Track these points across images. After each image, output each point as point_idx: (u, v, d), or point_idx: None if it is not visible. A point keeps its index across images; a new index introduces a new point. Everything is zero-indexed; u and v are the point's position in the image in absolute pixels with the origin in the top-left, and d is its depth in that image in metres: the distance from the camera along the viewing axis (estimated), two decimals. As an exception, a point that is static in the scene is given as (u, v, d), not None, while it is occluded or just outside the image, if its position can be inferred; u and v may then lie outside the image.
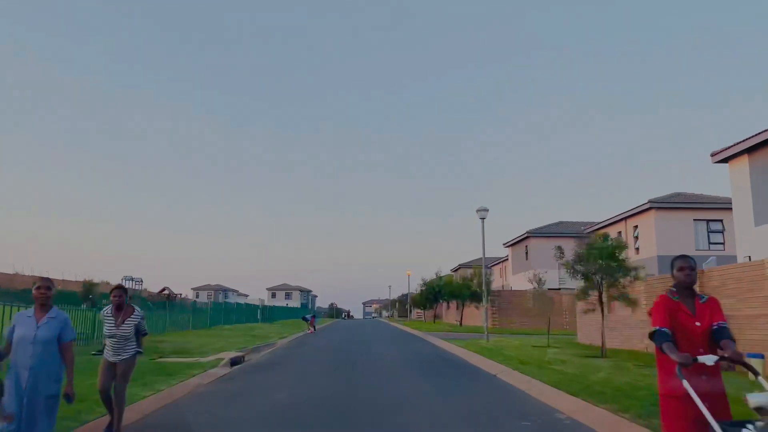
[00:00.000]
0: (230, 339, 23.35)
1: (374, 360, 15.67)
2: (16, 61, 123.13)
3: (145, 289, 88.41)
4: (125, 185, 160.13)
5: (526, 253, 47.55)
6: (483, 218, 20.10)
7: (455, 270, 63.45)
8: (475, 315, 35.29)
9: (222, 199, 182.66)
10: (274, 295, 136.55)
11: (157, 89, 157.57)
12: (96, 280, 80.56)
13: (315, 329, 34.92)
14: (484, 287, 20.88)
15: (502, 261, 63.51)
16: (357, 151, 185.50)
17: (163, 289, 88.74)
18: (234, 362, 15.43)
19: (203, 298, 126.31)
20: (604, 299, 13.85)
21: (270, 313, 50.65)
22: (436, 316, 48.31)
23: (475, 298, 31.36)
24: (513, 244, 51.10)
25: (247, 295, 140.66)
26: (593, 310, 14.09)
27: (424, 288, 41.99)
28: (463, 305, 33.24)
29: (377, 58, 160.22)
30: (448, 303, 41.60)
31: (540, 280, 17.74)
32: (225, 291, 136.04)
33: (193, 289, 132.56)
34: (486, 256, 64.30)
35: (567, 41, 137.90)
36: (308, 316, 35.46)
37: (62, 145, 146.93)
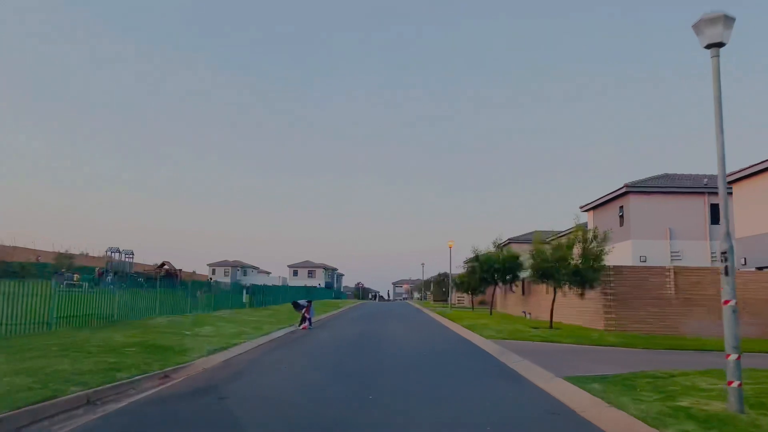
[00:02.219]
0: (107, 355, 10.87)
1: None
2: None
3: (156, 265, 77.43)
4: (147, 156, 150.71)
5: (621, 216, 33.70)
6: (716, 45, 6.57)
7: (503, 246, 49.89)
8: (570, 307, 21.77)
9: (242, 170, 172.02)
10: (296, 273, 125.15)
11: (168, 44, 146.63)
12: (74, 251, 69.99)
13: (311, 323, 22.29)
14: (729, 238, 7.00)
15: (570, 232, 49.75)
16: (386, 116, 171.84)
17: (163, 264, 77.61)
18: None
19: (220, 274, 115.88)
20: None
21: (264, 296, 37.90)
22: (487, 303, 34.96)
23: (578, 278, 17.80)
24: (597, 207, 37.11)
25: (269, 273, 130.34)
26: None
27: (476, 264, 28.71)
28: (555, 291, 19.65)
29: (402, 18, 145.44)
30: (511, 285, 28.36)
31: None
32: (244, 268, 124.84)
33: (209, 265, 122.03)
34: (542, 229, 49.71)
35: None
36: (303, 302, 22.65)
37: (40, 98, 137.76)
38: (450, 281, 37.24)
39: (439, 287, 57.90)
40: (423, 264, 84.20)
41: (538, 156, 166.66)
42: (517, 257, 28.01)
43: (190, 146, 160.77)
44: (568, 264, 17.90)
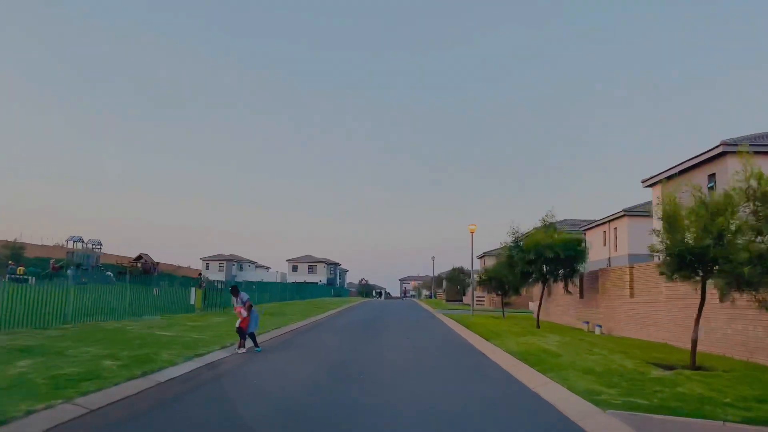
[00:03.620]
0: None
1: None
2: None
3: (146, 260, 68.55)
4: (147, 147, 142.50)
5: (712, 188, 24.35)
6: None
7: (552, 226, 40.83)
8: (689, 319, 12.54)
9: (246, 164, 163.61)
10: (295, 269, 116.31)
11: (173, 33, 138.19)
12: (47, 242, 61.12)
13: (256, 341, 13.57)
14: None
15: (616, 218, 40.25)
16: (395, 109, 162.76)
17: (139, 257, 69.06)
18: None
19: (214, 270, 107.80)
20: None
21: (227, 294, 28.49)
22: (514, 306, 25.87)
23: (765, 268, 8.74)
24: (673, 177, 27.78)
25: (268, 268, 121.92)
26: None
27: (515, 252, 19.63)
28: (703, 293, 10.27)
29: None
30: (567, 283, 19.32)
31: None
32: (240, 262, 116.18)
33: (203, 259, 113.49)
34: (574, 217, 39.09)
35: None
36: (243, 296, 13.73)
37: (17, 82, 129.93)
38: (471, 277, 28.10)
39: (453, 284, 48.89)
40: (433, 258, 74.02)
41: (557, 142, 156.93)
42: (578, 242, 18.98)
43: (190, 139, 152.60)
44: (738, 243, 8.86)
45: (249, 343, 13.35)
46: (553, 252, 18.27)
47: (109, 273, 55.46)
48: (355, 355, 12.83)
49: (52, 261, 49.87)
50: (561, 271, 19.43)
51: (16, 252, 47.89)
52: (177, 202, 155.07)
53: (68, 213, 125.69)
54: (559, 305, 23.88)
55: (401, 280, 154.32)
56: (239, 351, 12.99)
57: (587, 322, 19.50)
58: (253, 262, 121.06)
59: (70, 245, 54.03)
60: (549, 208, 19.04)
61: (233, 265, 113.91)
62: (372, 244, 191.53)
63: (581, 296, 21.23)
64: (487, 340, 15.08)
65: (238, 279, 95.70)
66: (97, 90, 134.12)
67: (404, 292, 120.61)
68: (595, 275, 19.63)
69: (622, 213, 38.77)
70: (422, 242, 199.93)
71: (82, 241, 54.75)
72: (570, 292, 20.34)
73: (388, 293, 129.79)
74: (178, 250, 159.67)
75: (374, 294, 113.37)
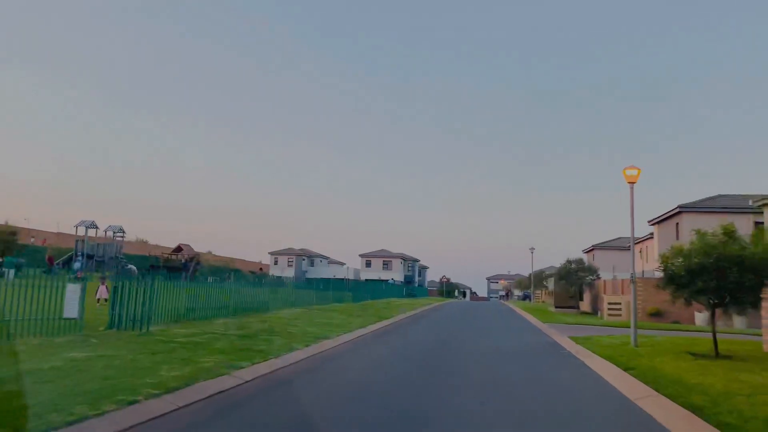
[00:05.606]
0: None
1: None
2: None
3: (185, 251, 58.87)
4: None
5: None
6: None
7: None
8: None
9: (326, 156, 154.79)
10: (368, 264, 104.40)
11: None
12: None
13: None
14: None
15: None
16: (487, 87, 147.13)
17: (178, 249, 59.57)
18: None
19: (283, 264, 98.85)
20: None
21: (145, 296, 15.89)
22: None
23: None
24: None
25: (342, 263, 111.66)
26: None
27: None
28: None
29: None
30: None
31: None
32: (311, 257, 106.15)
33: (271, 254, 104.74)
34: (737, 192, 23.36)
35: None
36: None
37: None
38: (632, 265, 13.84)
39: (566, 284, 34.31)
40: (532, 249, 56.35)
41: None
42: None
43: (273, 129, 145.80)
44: None
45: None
46: None
47: (131, 266, 45.06)
48: None
49: (48, 250, 40.52)
50: None
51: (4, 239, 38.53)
52: (251, 195, 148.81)
53: (139, 202, 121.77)
54: None
55: (488, 279, 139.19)
56: None
57: None
58: (326, 257, 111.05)
59: (81, 232, 44.40)
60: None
61: (303, 260, 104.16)
62: (457, 239, 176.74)
63: None
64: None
65: (309, 275, 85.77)
66: (177, 80, 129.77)
67: (506, 294, 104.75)
68: None
69: None
70: (514, 237, 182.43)
71: (96, 227, 45.08)
72: None
73: (474, 293, 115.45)
74: (249, 244, 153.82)
75: (456, 294, 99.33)
